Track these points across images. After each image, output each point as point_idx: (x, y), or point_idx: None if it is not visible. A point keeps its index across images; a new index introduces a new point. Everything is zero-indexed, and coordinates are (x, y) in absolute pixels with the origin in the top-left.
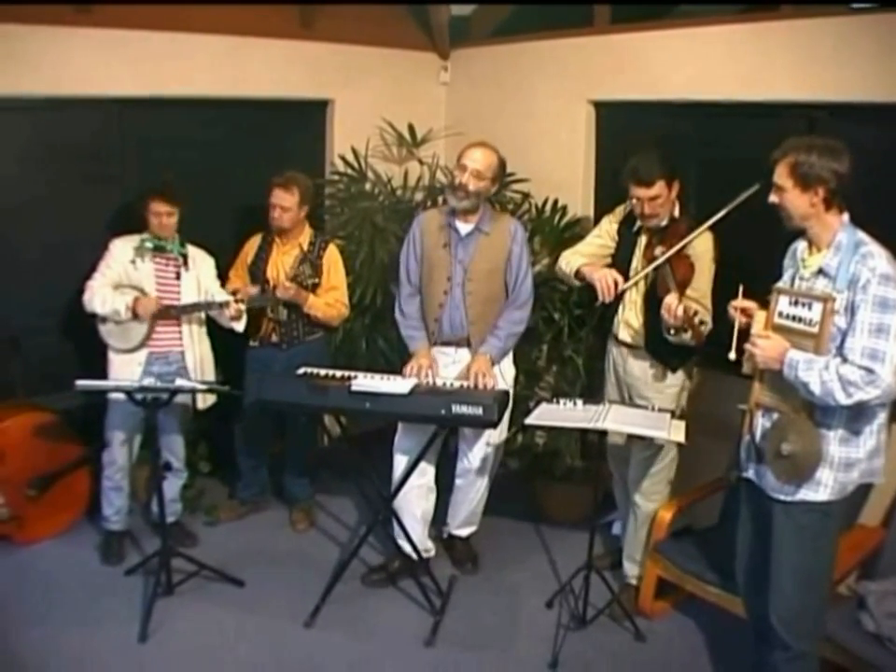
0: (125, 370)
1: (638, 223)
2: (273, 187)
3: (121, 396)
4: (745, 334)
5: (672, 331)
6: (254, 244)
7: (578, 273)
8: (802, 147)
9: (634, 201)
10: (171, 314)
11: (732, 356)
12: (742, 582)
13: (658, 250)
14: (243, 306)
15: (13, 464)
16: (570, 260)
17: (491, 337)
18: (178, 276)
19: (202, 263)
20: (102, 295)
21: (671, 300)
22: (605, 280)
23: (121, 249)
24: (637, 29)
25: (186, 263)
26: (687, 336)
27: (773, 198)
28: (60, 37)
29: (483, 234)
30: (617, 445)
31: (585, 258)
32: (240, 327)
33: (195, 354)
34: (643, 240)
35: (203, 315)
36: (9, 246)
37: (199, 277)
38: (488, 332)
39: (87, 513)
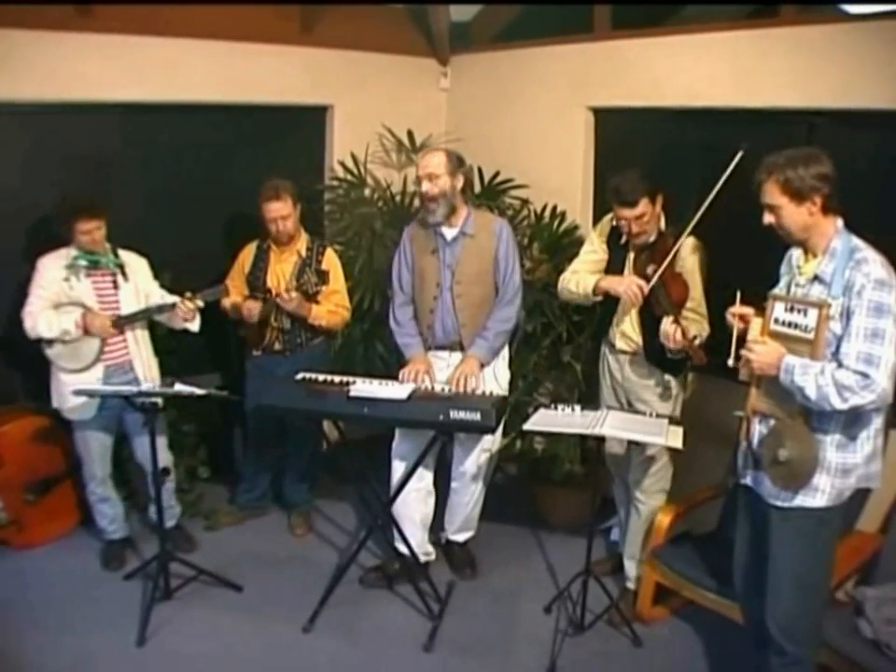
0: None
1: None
2: (266, 202)
3: (88, 414)
4: (743, 340)
5: (673, 353)
6: (249, 252)
7: (597, 289)
8: (785, 164)
9: (621, 221)
10: (121, 324)
11: (731, 362)
12: (739, 588)
13: (650, 269)
14: (192, 305)
15: (11, 468)
16: (580, 280)
17: (479, 338)
18: (116, 286)
19: (137, 267)
20: (46, 319)
21: (669, 327)
22: (631, 289)
23: (51, 268)
24: (636, 35)
25: (124, 273)
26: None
27: (768, 219)
28: (61, 42)
29: (469, 237)
30: (615, 454)
31: (590, 274)
32: (194, 327)
33: (142, 360)
34: (631, 255)
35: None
36: (10, 251)
37: (136, 283)
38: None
39: (86, 518)
